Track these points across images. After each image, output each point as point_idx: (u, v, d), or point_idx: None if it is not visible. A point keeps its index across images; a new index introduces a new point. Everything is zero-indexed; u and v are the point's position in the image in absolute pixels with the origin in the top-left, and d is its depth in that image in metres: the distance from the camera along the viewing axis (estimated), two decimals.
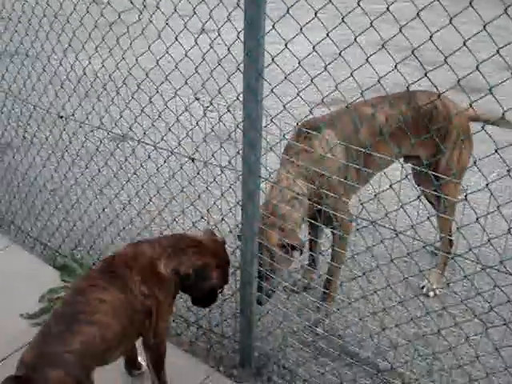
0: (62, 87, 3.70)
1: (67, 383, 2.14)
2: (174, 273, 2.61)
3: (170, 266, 2.60)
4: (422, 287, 3.71)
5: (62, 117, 3.70)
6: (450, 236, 3.58)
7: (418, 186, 3.71)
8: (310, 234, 3.68)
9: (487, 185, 2.11)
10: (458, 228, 2.24)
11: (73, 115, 3.60)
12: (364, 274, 2.79)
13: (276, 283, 3.14)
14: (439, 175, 3.10)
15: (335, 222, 3.11)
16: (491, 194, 2.13)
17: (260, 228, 2.91)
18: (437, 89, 2.24)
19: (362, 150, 2.72)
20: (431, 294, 3.67)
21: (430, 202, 3.83)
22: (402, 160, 3.48)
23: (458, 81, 1.94)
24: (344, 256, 3.31)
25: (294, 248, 3.08)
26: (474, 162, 2.16)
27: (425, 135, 3.08)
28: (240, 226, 2.85)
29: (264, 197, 3.14)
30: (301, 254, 3.17)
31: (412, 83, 2.22)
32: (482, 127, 2.12)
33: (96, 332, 2.29)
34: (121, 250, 2.68)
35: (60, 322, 2.31)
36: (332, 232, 3.33)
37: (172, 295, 2.71)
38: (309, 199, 3.09)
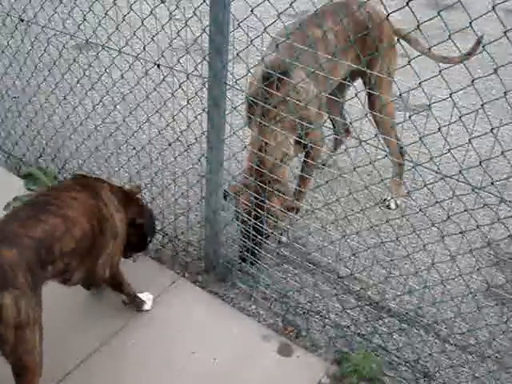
0: None
1: (18, 265, 2.10)
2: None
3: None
4: (385, 200, 3.80)
5: (23, 20, 3.57)
6: (401, 147, 3.67)
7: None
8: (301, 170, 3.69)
9: (451, 95, 2.13)
10: (420, 138, 2.27)
11: (34, 18, 3.48)
12: (327, 182, 2.84)
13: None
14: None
15: (310, 142, 3.13)
16: (454, 104, 2.16)
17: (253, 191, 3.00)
18: (407, 1, 2.22)
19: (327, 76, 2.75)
20: (392, 205, 3.78)
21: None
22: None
23: None
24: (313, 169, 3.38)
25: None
26: (440, 71, 2.17)
27: (361, 46, 3.12)
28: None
29: (247, 158, 3.17)
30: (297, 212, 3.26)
31: None
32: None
33: (60, 224, 2.30)
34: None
35: (28, 210, 2.34)
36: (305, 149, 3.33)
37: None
38: None
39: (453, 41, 2.04)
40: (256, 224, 3.02)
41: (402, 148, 3.67)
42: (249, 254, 3.14)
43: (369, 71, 3.13)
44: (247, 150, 3.17)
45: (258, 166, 3.05)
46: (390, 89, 3.54)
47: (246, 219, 3.10)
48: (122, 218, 2.70)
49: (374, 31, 3.32)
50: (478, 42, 3.23)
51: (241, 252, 3.20)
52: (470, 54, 3.28)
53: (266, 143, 3.04)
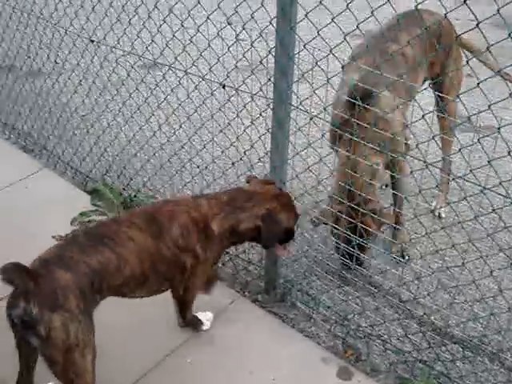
0: (93, 11, 3.67)
1: (71, 289, 2.11)
2: (230, 231, 2.60)
3: (225, 224, 2.58)
4: (433, 210, 3.80)
5: (93, 41, 3.69)
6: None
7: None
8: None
9: None
10: (488, 162, 2.21)
11: (104, 39, 3.58)
12: (391, 204, 2.80)
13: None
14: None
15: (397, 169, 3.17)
16: None
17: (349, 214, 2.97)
18: (477, 22, 2.18)
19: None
20: (443, 214, 3.77)
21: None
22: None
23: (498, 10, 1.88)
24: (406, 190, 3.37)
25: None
26: (510, 94, 2.11)
27: (434, 54, 3.11)
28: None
29: (336, 181, 3.13)
30: None
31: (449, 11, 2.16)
32: None
33: (114, 260, 2.30)
34: (176, 198, 2.70)
35: (88, 237, 2.34)
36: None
37: (217, 255, 2.71)
38: None
39: None
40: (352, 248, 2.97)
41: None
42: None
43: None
44: (333, 175, 3.12)
45: (350, 187, 2.98)
46: (459, 90, 3.52)
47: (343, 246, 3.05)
48: (213, 244, 2.59)
49: (445, 38, 3.35)
50: None
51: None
52: None
53: (356, 165, 2.99)
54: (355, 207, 2.92)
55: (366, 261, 3.18)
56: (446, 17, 2.60)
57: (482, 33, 2.00)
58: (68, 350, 2.10)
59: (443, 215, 3.80)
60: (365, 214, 2.94)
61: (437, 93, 3.33)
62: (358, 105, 2.70)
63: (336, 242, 3.17)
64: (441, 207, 3.81)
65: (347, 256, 3.02)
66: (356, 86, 2.82)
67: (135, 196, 3.92)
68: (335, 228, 3.07)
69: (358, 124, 2.73)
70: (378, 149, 2.89)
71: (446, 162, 3.67)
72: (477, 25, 1.98)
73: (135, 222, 2.45)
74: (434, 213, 3.79)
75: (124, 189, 4.03)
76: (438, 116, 3.55)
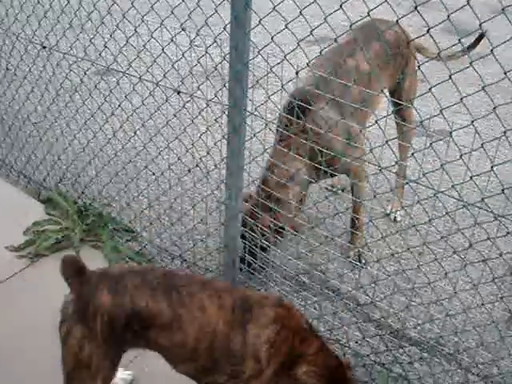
0: (45, 16, 3.61)
1: (101, 312, 2.03)
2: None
3: (311, 379, 2.13)
4: (388, 214, 3.87)
5: (45, 47, 3.63)
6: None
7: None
8: None
9: (472, 122, 2.11)
10: (441, 165, 2.25)
11: (56, 46, 3.53)
12: (347, 209, 2.82)
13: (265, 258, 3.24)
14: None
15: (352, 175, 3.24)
16: (476, 131, 2.14)
17: (253, 209, 3.05)
18: (428, 28, 2.22)
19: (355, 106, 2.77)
20: (399, 217, 3.84)
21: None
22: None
23: (448, 17, 1.92)
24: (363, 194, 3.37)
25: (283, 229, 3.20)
26: (461, 99, 2.15)
27: (393, 65, 3.17)
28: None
29: (260, 173, 3.24)
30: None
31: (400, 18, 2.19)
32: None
33: (166, 317, 2.08)
34: (297, 312, 2.24)
35: (160, 280, 2.12)
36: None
37: None
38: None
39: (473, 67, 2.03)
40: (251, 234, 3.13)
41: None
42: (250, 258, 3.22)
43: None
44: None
45: (263, 182, 3.17)
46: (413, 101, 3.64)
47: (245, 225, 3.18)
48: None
49: (404, 47, 3.43)
50: (480, 38, 3.30)
51: (244, 256, 3.23)
52: (469, 48, 3.44)
53: (274, 164, 3.14)
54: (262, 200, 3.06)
55: (323, 265, 3.20)
56: (398, 23, 2.68)
57: (433, 38, 2.03)
58: (78, 366, 2.09)
59: (399, 219, 3.86)
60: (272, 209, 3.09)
61: (396, 100, 3.41)
62: (294, 112, 2.85)
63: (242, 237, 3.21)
64: (396, 211, 3.87)
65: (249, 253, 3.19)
66: (294, 94, 2.98)
67: (90, 204, 3.86)
68: (243, 225, 3.17)
69: (288, 126, 2.99)
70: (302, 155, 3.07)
71: (401, 167, 3.73)
72: (427, 31, 2.02)
73: (222, 297, 2.14)
74: (390, 216, 3.84)
75: (79, 197, 3.96)
76: (396, 123, 3.64)
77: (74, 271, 2.10)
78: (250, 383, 2.13)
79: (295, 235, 3.23)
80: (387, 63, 3.34)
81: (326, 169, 2.78)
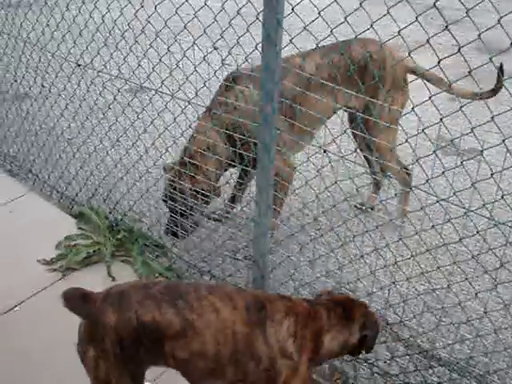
0: (80, 35, 3.70)
1: (108, 332, 2.04)
2: (341, 346, 2.30)
3: (338, 339, 2.28)
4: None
5: (79, 65, 3.71)
6: (405, 167, 3.74)
7: (354, 138, 3.76)
8: (239, 176, 3.90)
9: (504, 141, 2.10)
10: (472, 184, 2.24)
11: (91, 64, 3.60)
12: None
13: (195, 219, 3.52)
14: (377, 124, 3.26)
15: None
16: (507, 149, 2.13)
17: (173, 178, 3.37)
18: (459, 47, 2.22)
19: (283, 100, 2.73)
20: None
21: (365, 158, 3.93)
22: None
23: (479, 35, 1.92)
24: (286, 191, 3.44)
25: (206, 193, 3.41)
26: (492, 117, 2.15)
27: (358, 85, 3.10)
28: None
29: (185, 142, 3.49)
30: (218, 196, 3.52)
31: (431, 37, 2.20)
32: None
33: (176, 325, 2.06)
34: (295, 298, 2.35)
35: (164, 290, 2.12)
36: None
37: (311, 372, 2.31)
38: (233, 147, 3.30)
39: (505, 86, 2.03)
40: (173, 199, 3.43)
41: (406, 168, 3.77)
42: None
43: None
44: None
45: (184, 152, 3.46)
46: (391, 130, 3.52)
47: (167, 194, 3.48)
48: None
49: (374, 70, 3.36)
50: (499, 76, 3.23)
51: (168, 227, 3.57)
52: (495, 90, 3.29)
53: (194, 134, 3.45)
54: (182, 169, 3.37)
55: (352, 283, 3.19)
56: (382, 47, 2.72)
57: (463, 57, 2.04)
58: (100, 383, 2.12)
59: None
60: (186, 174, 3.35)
61: (363, 125, 3.32)
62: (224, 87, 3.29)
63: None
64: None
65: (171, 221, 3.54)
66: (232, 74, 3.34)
67: (121, 220, 3.91)
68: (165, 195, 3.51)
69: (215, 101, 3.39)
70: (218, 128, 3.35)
71: (396, 171, 3.75)
72: (458, 50, 2.02)
73: (233, 299, 2.14)
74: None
75: (110, 212, 4.02)
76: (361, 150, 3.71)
77: (78, 300, 2.09)
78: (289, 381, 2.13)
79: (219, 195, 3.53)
80: (348, 77, 3.28)
81: (241, 151, 3.06)
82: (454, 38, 2.07)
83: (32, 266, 3.49)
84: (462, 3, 2.04)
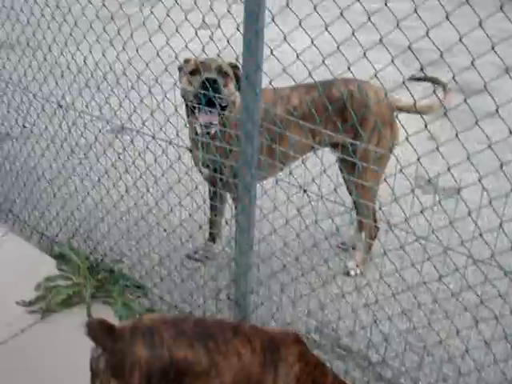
0: (62, 76, 3.72)
1: (139, 367, 2.03)
2: None
3: None
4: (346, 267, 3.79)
5: (61, 106, 3.72)
6: (376, 221, 3.70)
7: (343, 177, 3.77)
8: (211, 201, 3.79)
9: (480, 180, 2.14)
10: (450, 222, 2.27)
11: (72, 105, 3.62)
12: (357, 265, 2.83)
13: None
14: (360, 162, 3.11)
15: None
16: (483, 188, 2.17)
17: None
18: (444, 87, 2.28)
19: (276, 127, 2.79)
20: (352, 272, 3.72)
21: (351, 194, 3.87)
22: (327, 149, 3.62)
23: (453, 77, 1.97)
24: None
25: None
26: (468, 157, 2.19)
27: (339, 122, 3.12)
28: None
29: None
30: None
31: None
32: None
33: (205, 364, 2.12)
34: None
35: (195, 329, 2.16)
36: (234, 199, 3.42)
37: None
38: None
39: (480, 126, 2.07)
40: None
41: (375, 221, 3.70)
42: None
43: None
44: None
45: None
46: (377, 164, 3.47)
47: None
48: None
49: (356, 110, 3.36)
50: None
51: None
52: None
53: None
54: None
55: (334, 322, 3.18)
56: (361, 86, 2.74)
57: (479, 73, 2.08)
58: None
59: (352, 273, 3.70)
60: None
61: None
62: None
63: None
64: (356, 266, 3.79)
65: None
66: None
67: (102, 260, 3.88)
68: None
69: None
70: None
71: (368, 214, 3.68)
72: (434, 91, 2.07)
73: (252, 341, 2.22)
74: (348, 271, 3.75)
75: (91, 253, 3.99)
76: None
77: (103, 332, 2.08)
78: None
79: None
80: (326, 114, 3.30)
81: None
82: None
83: (10, 307, 3.44)
84: (436, 46, 2.09)
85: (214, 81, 3.01)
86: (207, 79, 3.01)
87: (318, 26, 2.49)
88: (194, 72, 3.16)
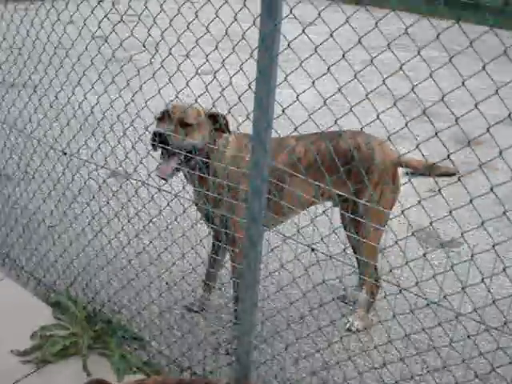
0: (68, 124, 3.70)
1: None
2: None
3: None
4: (347, 322, 3.71)
5: (65, 153, 3.69)
6: (377, 279, 3.64)
7: (345, 229, 3.67)
8: (212, 249, 3.72)
9: (493, 246, 2.09)
10: (462, 288, 2.21)
11: (77, 153, 3.59)
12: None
13: None
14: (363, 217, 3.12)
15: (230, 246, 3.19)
16: (497, 255, 2.12)
17: None
18: (444, 144, 2.25)
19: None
20: (353, 328, 3.65)
21: (353, 248, 3.79)
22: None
23: (449, 127, 1.94)
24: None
25: None
26: (482, 223, 2.15)
27: (343, 175, 3.10)
28: None
29: None
30: None
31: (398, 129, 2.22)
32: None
33: None
34: None
35: None
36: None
37: None
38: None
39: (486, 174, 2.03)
40: None
41: (377, 280, 3.65)
42: None
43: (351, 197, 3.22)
44: None
45: None
46: (380, 219, 3.44)
47: None
48: None
49: (361, 163, 3.34)
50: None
51: None
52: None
53: None
54: None
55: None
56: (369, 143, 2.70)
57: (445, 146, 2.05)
58: None
59: (353, 328, 3.65)
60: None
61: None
62: None
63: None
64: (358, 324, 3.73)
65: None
66: None
67: (100, 310, 3.80)
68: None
69: None
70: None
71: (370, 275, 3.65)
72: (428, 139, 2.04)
73: None
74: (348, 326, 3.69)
75: (89, 303, 3.91)
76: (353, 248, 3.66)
77: None
78: None
79: None
80: (329, 167, 3.24)
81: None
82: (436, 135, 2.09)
83: (5, 357, 3.35)
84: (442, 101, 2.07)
85: (160, 134, 3.02)
86: (154, 133, 3.04)
87: (326, 79, 2.47)
88: (160, 119, 3.17)
